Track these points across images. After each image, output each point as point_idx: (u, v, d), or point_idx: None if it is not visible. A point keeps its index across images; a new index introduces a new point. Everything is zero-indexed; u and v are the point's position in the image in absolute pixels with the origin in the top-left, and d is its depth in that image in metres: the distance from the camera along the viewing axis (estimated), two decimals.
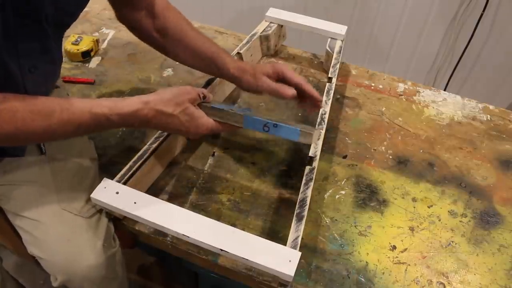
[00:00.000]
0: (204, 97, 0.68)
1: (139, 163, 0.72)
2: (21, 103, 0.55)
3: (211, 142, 0.86)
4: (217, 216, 0.74)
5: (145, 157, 0.73)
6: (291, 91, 0.72)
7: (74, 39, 1.04)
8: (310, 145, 0.75)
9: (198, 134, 0.66)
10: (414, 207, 0.77)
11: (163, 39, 0.77)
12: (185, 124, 0.65)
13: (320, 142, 0.76)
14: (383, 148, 0.88)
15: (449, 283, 0.67)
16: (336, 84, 0.96)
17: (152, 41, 0.79)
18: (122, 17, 0.78)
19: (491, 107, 0.99)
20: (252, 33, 1.02)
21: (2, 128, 0.53)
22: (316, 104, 0.77)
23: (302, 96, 0.76)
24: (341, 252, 0.70)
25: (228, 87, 0.95)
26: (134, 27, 0.79)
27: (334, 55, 0.97)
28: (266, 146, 0.86)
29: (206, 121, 0.67)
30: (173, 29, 0.76)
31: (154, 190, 0.77)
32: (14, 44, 0.58)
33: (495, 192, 0.81)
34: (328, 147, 0.87)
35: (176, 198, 0.76)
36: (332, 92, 0.88)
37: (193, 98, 0.66)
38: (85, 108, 0.58)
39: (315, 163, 0.73)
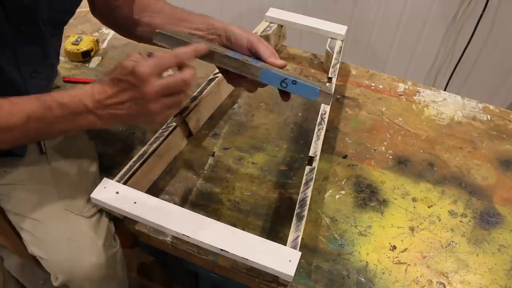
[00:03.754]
0: (150, 54, 0.54)
1: (139, 163, 0.72)
2: None
3: (211, 142, 0.87)
4: (217, 216, 0.74)
5: (145, 157, 0.73)
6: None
7: (74, 39, 1.04)
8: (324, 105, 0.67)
9: (146, 85, 0.52)
10: (414, 207, 0.77)
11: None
12: (129, 81, 0.53)
13: (320, 142, 0.76)
14: (383, 148, 0.88)
15: (449, 283, 0.67)
16: (336, 84, 0.97)
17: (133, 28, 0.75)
18: (99, 10, 0.76)
19: (491, 107, 0.99)
20: (252, 32, 1.02)
21: None
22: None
23: None
24: (341, 252, 0.70)
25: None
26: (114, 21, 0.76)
27: (334, 55, 0.97)
28: (266, 146, 0.86)
29: (146, 63, 0.52)
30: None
31: (154, 190, 0.77)
32: (12, 51, 0.58)
33: (495, 192, 0.81)
34: (328, 147, 0.87)
35: (176, 198, 0.76)
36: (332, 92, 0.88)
37: (131, 57, 0.54)
38: (33, 96, 0.54)
39: (315, 163, 0.73)
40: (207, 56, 0.61)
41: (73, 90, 0.56)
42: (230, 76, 0.66)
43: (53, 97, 0.55)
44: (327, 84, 0.90)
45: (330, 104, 0.85)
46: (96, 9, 0.76)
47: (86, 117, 0.56)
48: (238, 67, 0.61)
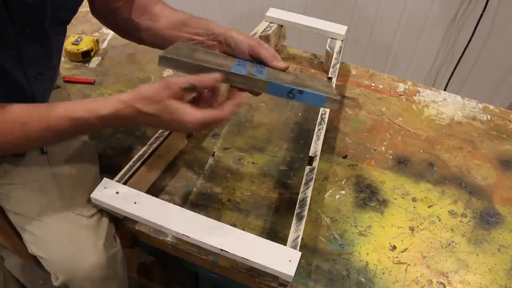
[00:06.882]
0: (193, 88, 0.57)
1: (139, 163, 0.72)
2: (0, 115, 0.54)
3: (211, 142, 0.87)
4: (217, 216, 0.74)
5: (145, 157, 0.73)
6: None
7: (74, 39, 1.04)
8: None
9: (188, 131, 0.59)
10: (414, 207, 0.77)
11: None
12: (170, 123, 0.57)
13: (320, 142, 0.76)
14: (383, 148, 0.88)
15: (449, 283, 0.67)
16: (336, 84, 0.97)
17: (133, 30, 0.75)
18: (98, 10, 0.75)
19: (491, 107, 0.99)
20: (252, 33, 1.02)
21: None
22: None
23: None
24: (341, 252, 0.70)
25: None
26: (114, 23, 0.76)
27: (334, 55, 0.97)
28: (266, 146, 0.86)
29: (193, 117, 0.56)
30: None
31: (154, 190, 0.77)
32: (16, 53, 0.58)
33: (495, 192, 0.81)
34: (328, 147, 0.87)
35: (176, 198, 0.76)
36: None
37: (174, 93, 0.56)
38: (62, 114, 0.56)
39: (315, 163, 0.73)
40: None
41: (105, 101, 0.57)
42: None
43: (83, 114, 0.56)
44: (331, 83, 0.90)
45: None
46: (96, 10, 0.76)
47: (122, 123, 0.58)
48: (245, 82, 0.61)
